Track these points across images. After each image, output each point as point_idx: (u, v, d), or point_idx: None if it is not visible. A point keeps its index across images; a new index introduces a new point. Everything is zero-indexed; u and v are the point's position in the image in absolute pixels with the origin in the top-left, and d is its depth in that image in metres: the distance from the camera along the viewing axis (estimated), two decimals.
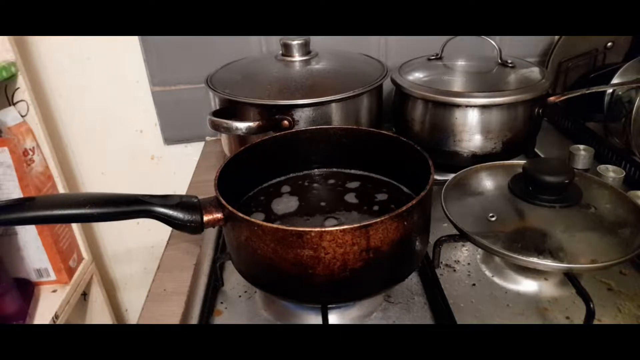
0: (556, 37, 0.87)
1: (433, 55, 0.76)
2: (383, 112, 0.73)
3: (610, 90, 0.75)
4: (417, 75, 0.71)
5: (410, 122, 0.70)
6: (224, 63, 0.76)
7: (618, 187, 0.61)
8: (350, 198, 0.53)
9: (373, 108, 0.69)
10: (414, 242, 0.44)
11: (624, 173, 0.64)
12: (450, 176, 0.57)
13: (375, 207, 0.52)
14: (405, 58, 0.78)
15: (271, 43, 0.84)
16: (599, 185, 0.56)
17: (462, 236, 0.50)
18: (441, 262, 0.55)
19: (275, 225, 0.39)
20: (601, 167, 0.66)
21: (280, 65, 0.70)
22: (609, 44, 0.85)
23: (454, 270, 0.54)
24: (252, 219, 0.40)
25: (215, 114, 0.65)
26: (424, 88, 0.67)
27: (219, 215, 0.42)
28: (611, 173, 0.64)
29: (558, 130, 0.86)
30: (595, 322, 0.45)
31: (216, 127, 0.62)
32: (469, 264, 0.55)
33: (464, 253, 0.57)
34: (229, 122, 0.61)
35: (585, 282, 0.49)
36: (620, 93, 0.74)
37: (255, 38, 0.84)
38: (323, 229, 0.38)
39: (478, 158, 0.67)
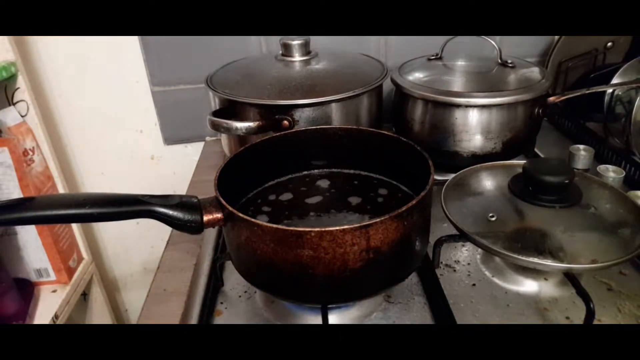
0: (556, 37, 0.87)
1: (433, 56, 0.76)
2: (383, 112, 0.73)
3: (610, 91, 0.74)
4: (417, 76, 0.71)
5: (410, 122, 0.70)
6: (224, 63, 0.76)
7: (618, 187, 0.61)
8: (350, 198, 0.53)
9: (373, 108, 0.69)
10: (414, 242, 0.44)
11: (624, 173, 0.64)
12: (450, 176, 0.57)
13: (375, 207, 0.52)
14: (405, 58, 0.78)
15: (271, 43, 0.84)
16: (599, 186, 0.56)
17: (462, 236, 0.50)
18: (441, 262, 0.54)
19: (275, 226, 0.39)
20: (601, 167, 0.66)
21: (280, 66, 0.70)
22: (609, 44, 0.85)
23: (454, 271, 0.54)
24: (252, 219, 0.40)
25: (215, 114, 0.65)
26: (424, 88, 0.67)
27: (218, 216, 0.42)
28: (611, 173, 0.64)
29: (558, 130, 0.86)
30: (595, 322, 0.45)
31: (216, 127, 0.62)
32: (469, 264, 0.55)
33: (464, 253, 0.57)
34: (229, 122, 0.61)
35: (585, 282, 0.49)
36: (620, 93, 0.74)
37: (255, 38, 0.84)
38: (323, 229, 0.38)
39: (478, 158, 0.67)
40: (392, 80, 0.71)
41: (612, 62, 0.84)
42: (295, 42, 0.69)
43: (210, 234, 0.62)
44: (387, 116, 0.75)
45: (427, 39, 0.79)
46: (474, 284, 0.52)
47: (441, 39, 0.74)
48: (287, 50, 0.71)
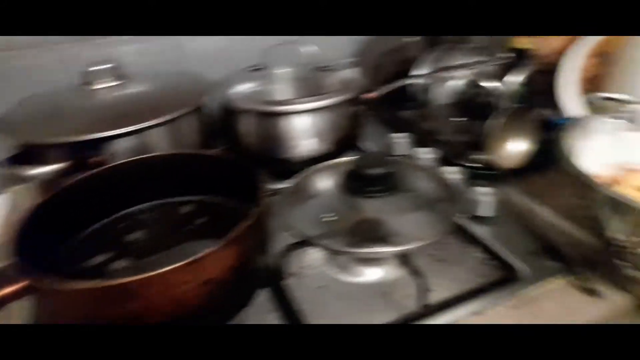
0: (366, 37, 0.94)
1: (254, 66, 0.75)
2: (214, 129, 0.70)
3: (414, 81, 0.83)
4: (240, 88, 0.71)
5: (240, 136, 0.69)
6: (18, 98, 0.65)
7: (432, 167, 0.68)
8: (186, 227, 0.51)
9: (200, 127, 0.66)
10: (254, 262, 0.43)
11: (435, 154, 0.72)
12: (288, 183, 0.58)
13: (213, 232, 0.49)
14: (225, 71, 0.76)
15: (73, 71, 0.74)
16: (417, 168, 0.62)
17: (305, 242, 0.51)
18: (289, 272, 0.54)
19: (92, 284, 0.35)
20: (417, 151, 0.72)
21: (87, 95, 0.63)
22: (409, 39, 0.95)
23: (302, 277, 0.54)
24: (66, 283, 0.35)
25: (12, 160, 0.55)
26: (248, 100, 0.67)
27: (19, 286, 0.36)
28: (425, 155, 0.71)
29: (381, 122, 0.92)
30: (434, 293, 0.49)
31: (12, 178, 0.53)
32: (316, 267, 0.56)
33: (311, 257, 0.57)
34: (29, 168, 0.53)
35: (419, 258, 0.54)
36: (420, 83, 0.83)
37: (55, 66, 0.73)
38: (149, 274, 0.35)
39: (314, 160, 0.68)
40: (216, 96, 0.69)
41: (414, 55, 0.94)
42: (101, 67, 0.63)
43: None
44: (220, 133, 0.72)
45: (246, 50, 0.78)
46: (322, 286, 0.53)
47: (259, 49, 0.74)
48: (92, 78, 0.64)
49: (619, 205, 0.42)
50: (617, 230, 0.44)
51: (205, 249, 0.37)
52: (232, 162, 0.50)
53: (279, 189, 0.57)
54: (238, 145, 0.69)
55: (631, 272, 0.48)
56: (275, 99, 0.67)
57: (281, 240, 0.56)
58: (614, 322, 0.49)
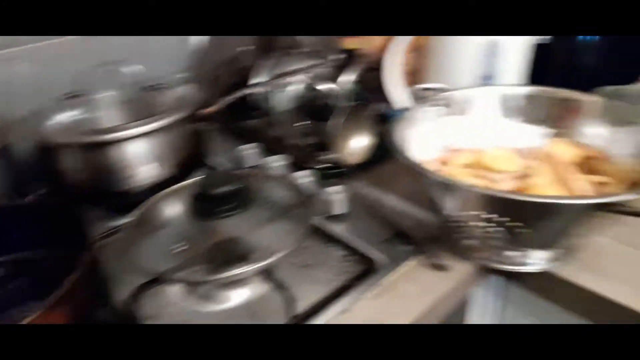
0: (198, 50, 0.90)
1: (70, 93, 0.66)
2: (26, 172, 0.60)
3: (252, 91, 0.82)
4: (57, 120, 0.62)
5: (63, 175, 0.60)
6: None
7: (282, 174, 0.68)
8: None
9: (7, 172, 0.56)
10: (93, 316, 0.37)
11: (285, 160, 0.72)
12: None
13: (38, 293, 0.42)
14: (34, 104, 0.64)
15: None
16: (268, 178, 0.61)
17: (157, 279, 0.46)
18: (144, 315, 0.49)
19: None
20: (267, 160, 0.72)
21: None
22: (242, 48, 0.93)
23: (161, 317, 0.49)
24: None
25: None
26: (68, 132, 0.59)
27: None
28: (275, 163, 0.71)
29: (229, 135, 0.89)
30: (301, 301, 0.48)
31: None
32: (175, 303, 0.51)
33: (168, 293, 0.52)
34: None
35: (283, 268, 0.52)
36: (260, 91, 0.82)
37: None
38: None
39: (157, 187, 0.63)
40: (26, 133, 0.59)
41: (248, 64, 0.93)
42: None
43: None
44: (35, 175, 0.62)
45: (57, 77, 0.67)
46: (185, 322, 0.48)
47: (72, 74, 0.65)
48: None
49: (446, 186, 0.46)
50: (450, 207, 0.48)
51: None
52: (49, 208, 0.43)
53: (121, 225, 0.51)
54: (61, 185, 0.60)
55: (468, 243, 0.53)
56: (101, 127, 0.60)
57: (131, 281, 0.50)
58: (463, 290, 0.54)
